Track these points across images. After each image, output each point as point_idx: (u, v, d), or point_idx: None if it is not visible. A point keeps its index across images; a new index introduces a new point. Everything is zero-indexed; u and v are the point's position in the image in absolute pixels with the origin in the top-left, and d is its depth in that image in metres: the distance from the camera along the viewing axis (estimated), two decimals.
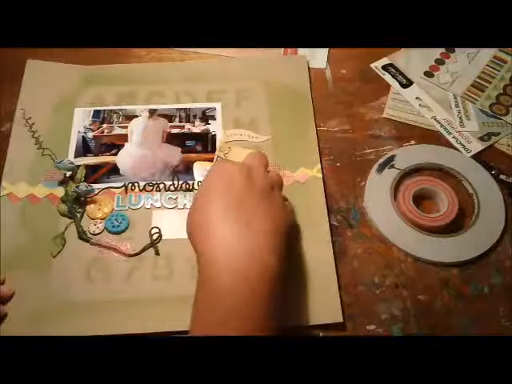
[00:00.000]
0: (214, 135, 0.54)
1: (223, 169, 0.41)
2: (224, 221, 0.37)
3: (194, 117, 0.55)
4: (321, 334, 0.43)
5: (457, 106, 0.57)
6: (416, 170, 0.52)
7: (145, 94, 0.57)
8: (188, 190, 0.50)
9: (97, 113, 0.55)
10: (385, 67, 0.60)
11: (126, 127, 0.55)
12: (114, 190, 0.50)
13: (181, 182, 0.50)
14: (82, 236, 0.47)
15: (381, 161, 0.52)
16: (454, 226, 0.48)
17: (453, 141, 0.54)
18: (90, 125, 0.55)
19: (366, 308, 0.45)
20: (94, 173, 0.51)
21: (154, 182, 0.50)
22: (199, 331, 0.35)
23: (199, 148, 0.53)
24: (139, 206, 0.49)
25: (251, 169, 0.41)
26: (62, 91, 0.57)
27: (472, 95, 0.58)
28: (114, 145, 0.53)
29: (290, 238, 0.41)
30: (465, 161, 0.53)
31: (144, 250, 0.47)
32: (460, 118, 0.56)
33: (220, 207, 0.38)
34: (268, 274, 0.36)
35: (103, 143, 0.53)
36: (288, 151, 0.53)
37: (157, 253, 0.47)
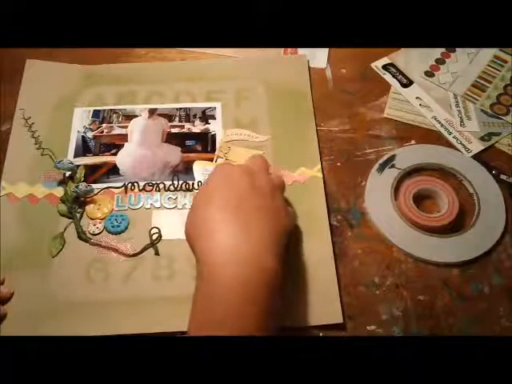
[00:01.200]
0: (214, 135, 0.54)
1: (225, 170, 0.41)
2: (223, 222, 0.37)
3: (194, 116, 0.55)
4: (321, 334, 0.43)
5: (457, 105, 0.57)
6: (416, 170, 0.52)
7: (145, 93, 0.57)
8: (188, 189, 0.50)
9: (96, 112, 0.55)
10: (385, 67, 0.60)
11: (126, 127, 0.54)
12: (113, 189, 0.50)
13: (180, 182, 0.50)
14: (82, 236, 0.47)
15: (381, 161, 0.52)
16: (455, 226, 0.48)
17: (453, 141, 0.54)
18: (89, 124, 0.54)
19: (366, 308, 0.45)
20: (94, 173, 0.51)
21: (154, 182, 0.50)
22: (197, 331, 0.35)
23: (199, 148, 0.53)
24: (139, 206, 0.49)
25: (253, 172, 0.41)
26: (61, 91, 0.56)
27: (472, 95, 0.58)
28: (114, 145, 0.53)
29: (289, 241, 0.41)
30: (465, 161, 0.53)
31: (144, 250, 0.47)
32: (460, 117, 0.56)
33: (220, 208, 0.38)
34: (266, 278, 0.36)
35: (103, 143, 0.53)
36: (288, 151, 0.52)
37: (156, 253, 0.47)
